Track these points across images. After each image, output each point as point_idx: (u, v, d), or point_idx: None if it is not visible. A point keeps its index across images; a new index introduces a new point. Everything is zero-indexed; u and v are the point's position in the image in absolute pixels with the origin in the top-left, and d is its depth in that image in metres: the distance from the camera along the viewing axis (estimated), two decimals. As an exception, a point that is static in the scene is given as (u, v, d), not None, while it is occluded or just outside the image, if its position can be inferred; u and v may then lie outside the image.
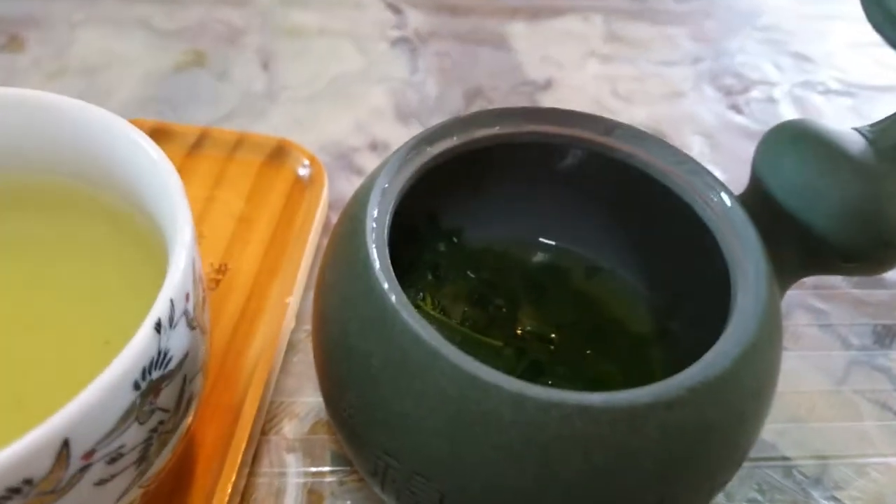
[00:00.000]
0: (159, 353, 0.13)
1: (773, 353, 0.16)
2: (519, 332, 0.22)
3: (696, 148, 0.33)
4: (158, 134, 0.28)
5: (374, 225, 0.17)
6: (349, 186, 0.29)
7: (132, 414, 0.13)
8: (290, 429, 0.22)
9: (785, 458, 0.23)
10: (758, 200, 0.19)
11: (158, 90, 0.33)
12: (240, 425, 0.20)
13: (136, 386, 0.13)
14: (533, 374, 0.21)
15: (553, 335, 0.22)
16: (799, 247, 0.18)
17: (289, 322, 0.23)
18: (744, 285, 0.17)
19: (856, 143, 0.18)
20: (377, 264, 0.16)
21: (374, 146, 0.31)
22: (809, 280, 0.22)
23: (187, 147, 0.28)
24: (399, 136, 0.32)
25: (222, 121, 0.31)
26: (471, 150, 0.20)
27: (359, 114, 0.33)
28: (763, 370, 0.16)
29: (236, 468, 0.20)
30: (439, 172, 0.20)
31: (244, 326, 0.23)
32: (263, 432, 0.22)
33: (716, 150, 0.33)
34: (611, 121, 0.20)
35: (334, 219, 0.28)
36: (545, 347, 0.22)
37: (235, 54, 0.35)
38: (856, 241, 0.17)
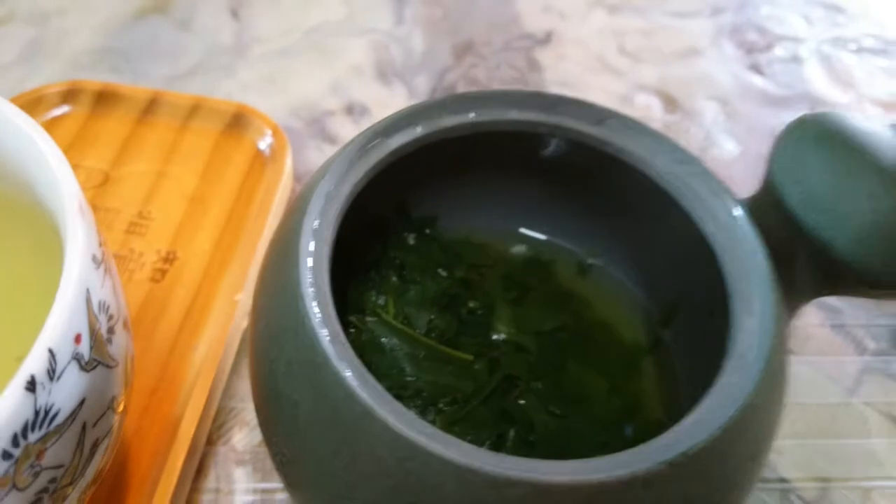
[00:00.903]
0: (37, 413, 0.11)
1: (774, 407, 0.14)
2: (494, 338, 0.20)
3: (709, 115, 0.30)
4: (105, 97, 0.25)
5: (312, 241, 0.14)
6: (320, 157, 0.27)
7: (5, 484, 0.11)
8: (239, 438, 0.20)
9: (783, 480, 0.21)
10: (770, 208, 0.16)
11: (115, 41, 0.30)
12: (179, 436, 0.18)
13: (6, 455, 0.11)
14: (505, 391, 0.19)
15: (532, 344, 0.20)
16: (815, 267, 0.16)
17: (239, 321, 0.21)
18: (745, 320, 0.14)
19: (891, 148, 0.15)
20: (310, 295, 0.13)
21: (350, 109, 0.28)
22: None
23: (137, 112, 0.25)
24: (378, 98, 0.29)
25: (183, 78, 0.29)
26: (445, 142, 0.17)
27: (336, 71, 0.30)
28: (761, 431, 0.13)
29: (174, 483, 0.18)
30: (407, 160, 0.17)
31: (190, 325, 0.20)
32: (210, 442, 0.20)
33: (731, 119, 0.30)
34: (603, 108, 0.17)
35: (302, 194, 0.25)
36: (522, 358, 0.19)
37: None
38: (881, 267, 0.15)
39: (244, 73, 0.29)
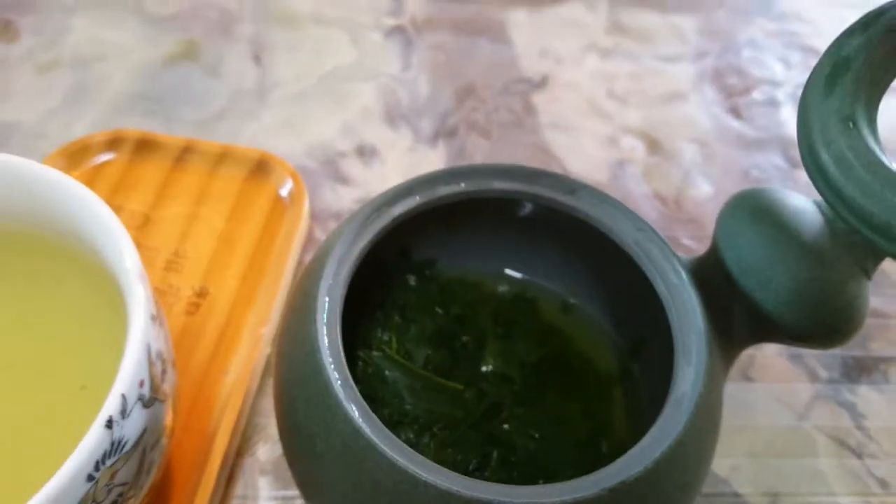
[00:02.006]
0: (112, 445, 0.14)
1: (704, 444, 0.17)
2: (484, 369, 0.23)
3: (688, 156, 0.33)
4: (144, 145, 0.28)
5: (327, 299, 0.17)
6: (334, 196, 0.30)
7: (88, 500, 0.14)
8: (263, 451, 0.23)
9: (736, 495, 0.24)
10: (714, 269, 0.19)
11: (149, 86, 0.33)
12: (214, 450, 0.22)
13: (90, 478, 0.14)
14: (492, 416, 0.22)
15: (517, 374, 0.23)
16: (750, 319, 0.19)
17: (264, 349, 0.24)
18: (684, 367, 0.17)
19: (813, 224, 0.18)
20: (325, 348, 0.16)
21: (360, 151, 0.31)
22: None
23: (172, 159, 0.28)
24: (387, 140, 0.32)
25: (211, 121, 0.32)
26: (439, 208, 0.20)
27: (347, 114, 0.33)
28: (691, 464, 0.16)
29: (210, 492, 0.21)
30: (407, 222, 0.20)
31: (222, 352, 0.24)
32: (238, 454, 0.23)
33: (708, 161, 0.32)
34: (573, 181, 0.20)
35: (317, 231, 0.28)
36: (508, 388, 0.22)
37: (228, 46, 0.35)
38: (803, 325, 0.18)
39: (266, 117, 0.32)
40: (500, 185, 0.20)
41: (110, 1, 0.36)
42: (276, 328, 0.25)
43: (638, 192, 0.31)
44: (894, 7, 0.14)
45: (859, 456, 0.25)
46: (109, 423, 0.14)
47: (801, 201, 0.18)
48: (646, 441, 0.16)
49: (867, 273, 0.18)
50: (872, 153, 0.14)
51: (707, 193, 0.31)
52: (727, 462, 0.24)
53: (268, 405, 0.24)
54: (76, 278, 0.20)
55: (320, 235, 0.28)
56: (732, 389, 0.26)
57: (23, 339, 0.20)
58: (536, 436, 0.21)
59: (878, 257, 0.17)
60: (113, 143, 0.28)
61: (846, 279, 0.18)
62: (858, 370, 0.27)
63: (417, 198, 0.20)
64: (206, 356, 0.23)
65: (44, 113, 0.31)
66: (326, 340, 0.16)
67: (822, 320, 0.18)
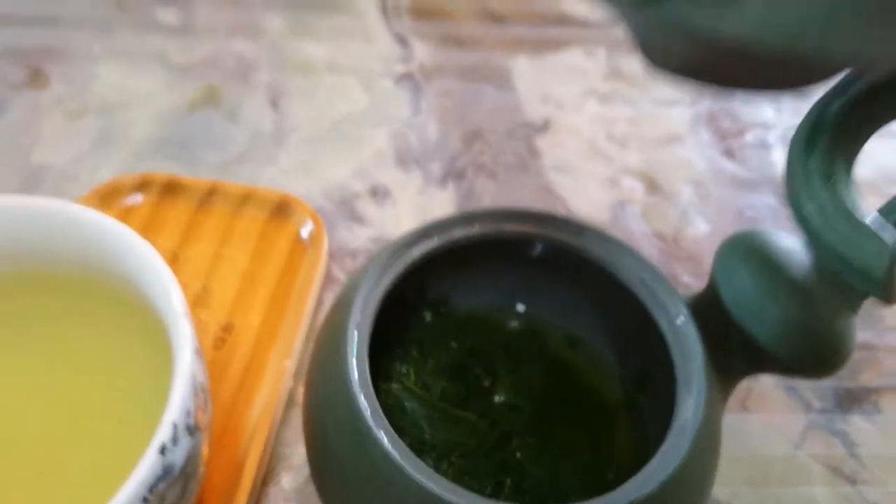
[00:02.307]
0: (164, 470, 0.16)
1: (706, 467, 0.18)
2: (494, 402, 0.24)
3: (685, 197, 0.34)
4: (171, 188, 0.30)
5: (356, 333, 0.19)
6: (349, 235, 0.31)
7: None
8: (287, 480, 0.24)
9: (737, 521, 0.25)
10: (712, 304, 0.20)
11: (173, 131, 0.35)
12: (243, 479, 0.23)
13: (145, 500, 0.15)
14: (504, 444, 0.23)
15: (527, 405, 0.24)
16: (745, 352, 0.20)
17: (287, 381, 0.25)
18: (685, 398, 0.18)
19: (802, 264, 0.19)
20: (355, 378, 0.18)
21: (374, 192, 0.33)
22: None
23: (197, 202, 0.30)
24: (398, 182, 0.34)
25: (232, 164, 0.33)
26: (454, 248, 0.22)
27: (361, 157, 0.34)
28: (693, 487, 0.18)
29: (238, 520, 0.22)
30: (425, 262, 0.22)
31: (248, 384, 0.25)
32: (264, 483, 0.24)
33: (704, 201, 0.34)
34: (580, 223, 0.22)
35: (334, 269, 0.30)
36: (518, 417, 0.24)
37: (246, 92, 0.37)
38: (794, 357, 0.19)
39: (284, 160, 0.34)
40: (510, 227, 0.22)
41: (135, 50, 0.38)
42: (297, 361, 0.26)
43: (638, 231, 0.33)
44: (870, 72, 0.16)
45: (853, 483, 0.26)
46: (163, 450, 0.15)
47: (792, 242, 0.20)
48: (652, 465, 0.17)
49: (853, 309, 0.19)
50: (849, 206, 0.15)
51: (704, 232, 0.33)
52: (727, 490, 0.25)
53: (291, 436, 0.25)
54: (117, 317, 0.21)
55: (337, 273, 0.30)
56: (731, 420, 0.27)
57: (64, 375, 0.21)
58: (546, 463, 0.23)
59: (862, 296, 0.19)
60: (142, 185, 0.30)
61: (834, 315, 0.19)
62: (850, 401, 0.28)
63: (435, 240, 0.21)
64: (233, 388, 0.25)
65: (73, 156, 0.33)
66: (356, 373, 0.18)
67: (812, 353, 0.19)
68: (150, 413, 0.20)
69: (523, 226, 0.22)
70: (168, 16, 0.40)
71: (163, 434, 0.16)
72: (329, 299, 0.29)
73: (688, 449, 0.17)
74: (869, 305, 0.30)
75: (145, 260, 0.19)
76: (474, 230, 0.22)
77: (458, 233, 0.21)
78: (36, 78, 0.36)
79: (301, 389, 0.26)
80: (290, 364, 0.25)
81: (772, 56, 0.10)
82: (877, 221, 0.15)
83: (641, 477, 0.17)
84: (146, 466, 0.15)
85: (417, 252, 0.21)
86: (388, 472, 0.16)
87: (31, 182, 0.32)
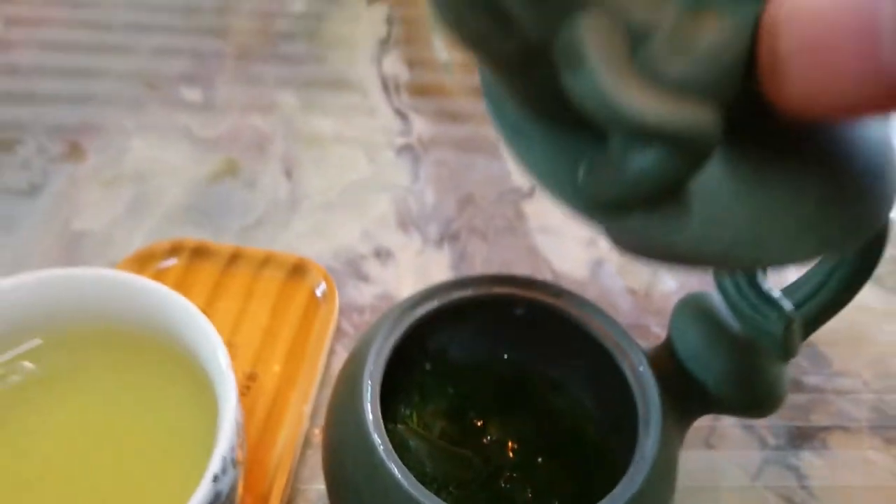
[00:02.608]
0: (214, 496, 0.19)
1: (663, 493, 0.22)
2: (486, 441, 0.28)
3: (655, 255, 0.38)
4: (200, 252, 0.34)
5: (370, 382, 0.22)
6: (356, 292, 0.35)
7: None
8: (303, 512, 0.28)
9: (700, 546, 0.28)
10: (669, 356, 0.24)
11: (197, 199, 0.39)
12: (266, 511, 0.26)
13: (199, 521, 0.19)
14: (495, 478, 0.26)
15: (515, 443, 0.28)
16: (697, 397, 0.24)
17: (305, 424, 0.29)
18: (644, 438, 0.22)
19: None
20: (370, 420, 0.21)
21: (378, 253, 0.37)
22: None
23: (223, 264, 0.33)
24: (400, 243, 0.38)
25: (252, 229, 0.37)
26: (452, 307, 0.25)
27: (367, 221, 0.39)
28: (652, 506, 0.21)
29: (262, 549, 0.25)
30: (427, 320, 0.25)
31: (271, 426, 0.28)
32: (283, 515, 0.28)
33: (672, 259, 0.38)
34: (559, 287, 0.26)
35: (344, 323, 0.34)
36: (507, 456, 0.27)
37: (263, 163, 0.41)
38: (736, 400, 0.23)
39: (297, 224, 0.38)
40: (499, 290, 0.26)
41: (163, 125, 0.43)
42: (314, 406, 0.30)
43: (613, 287, 0.37)
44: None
45: (803, 511, 0.29)
46: (216, 479, 0.19)
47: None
48: (613, 494, 0.21)
49: (785, 360, 0.23)
50: (758, 281, 0.19)
51: (672, 288, 0.37)
52: (692, 517, 0.29)
53: (307, 473, 0.29)
54: (164, 367, 0.25)
55: (346, 326, 0.34)
56: (696, 455, 0.31)
57: (117, 417, 0.25)
58: (531, 494, 0.26)
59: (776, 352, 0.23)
60: (174, 249, 0.34)
61: (767, 364, 0.23)
62: (802, 438, 0.32)
63: (435, 301, 0.25)
64: (258, 430, 0.28)
65: (109, 222, 0.37)
66: (371, 416, 0.21)
67: (751, 397, 0.23)
68: (191, 448, 0.23)
69: (510, 289, 0.26)
70: (192, 94, 0.45)
71: (214, 466, 0.19)
72: (339, 350, 0.33)
73: (643, 479, 0.21)
74: (819, 353, 0.34)
75: (193, 320, 0.22)
76: (468, 293, 0.26)
77: (455, 295, 0.25)
78: (74, 151, 0.41)
79: (316, 431, 0.30)
80: (308, 408, 0.29)
81: (710, 261, 0.13)
82: (779, 295, 0.19)
83: (604, 502, 0.20)
84: (202, 493, 0.19)
85: (421, 311, 0.25)
86: (399, 499, 0.20)
87: (73, 246, 0.36)
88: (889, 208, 0.14)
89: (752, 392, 0.23)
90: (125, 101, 0.44)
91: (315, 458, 0.29)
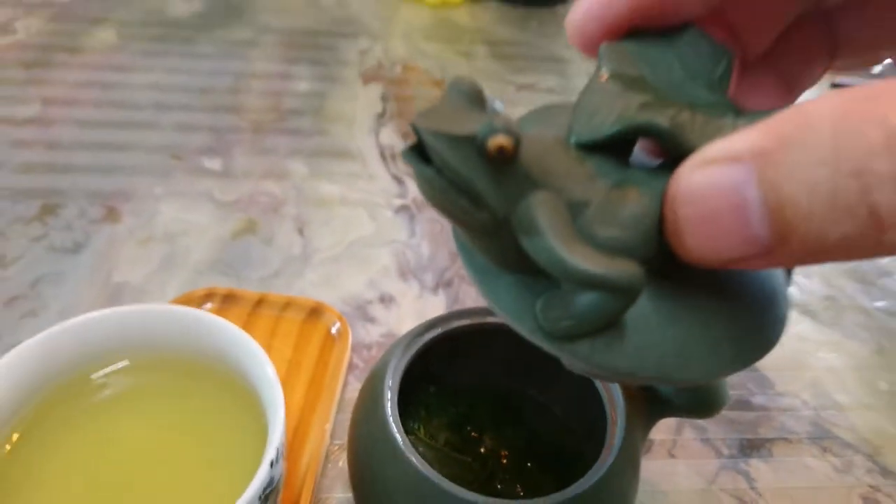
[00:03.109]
0: (270, 480, 0.24)
1: (627, 478, 0.27)
2: (483, 450, 0.33)
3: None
4: (230, 298, 0.39)
5: (389, 394, 0.28)
6: (364, 332, 0.40)
7: (255, 515, 0.24)
8: (326, 517, 0.32)
9: (666, 539, 0.33)
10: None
11: (222, 254, 0.44)
12: (296, 516, 0.31)
13: (261, 495, 0.24)
14: (491, 480, 0.31)
15: (506, 452, 0.33)
16: (655, 401, 0.29)
17: (326, 441, 0.34)
18: (612, 432, 0.27)
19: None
20: (392, 423, 0.26)
21: (382, 299, 0.43)
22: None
23: (250, 308, 0.39)
24: (401, 290, 0.43)
25: (272, 278, 0.43)
26: (452, 335, 0.31)
27: (371, 272, 0.44)
28: (618, 491, 0.26)
29: (293, 545, 0.30)
30: (432, 346, 0.31)
31: (297, 443, 0.33)
32: (309, 520, 0.32)
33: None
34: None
35: (356, 359, 0.39)
36: (500, 462, 0.32)
37: (278, 222, 0.47)
38: (686, 403, 0.28)
39: (310, 275, 0.43)
40: (492, 319, 0.31)
41: (188, 191, 0.49)
42: (332, 425, 0.35)
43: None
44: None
45: (753, 509, 0.34)
46: (272, 464, 0.24)
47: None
48: (588, 474, 0.26)
49: None
50: None
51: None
52: (659, 515, 0.34)
53: (327, 483, 0.33)
54: (215, 388, 0.30)
55: (357, 361, 0.39)
56: (661, 464, 0.36)
57: (171, 432, 0.29)
58: (522, 494, 0.31)
59: None
60: (208, 296, 0.39)
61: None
62: (751, 448, 0.37)
63: (439, 329, 0.30)
64: (287, 446, 0.33)
65: (145, 275, 0.42)
66: (391, 418, 0.27)
67: (698, 399, 0.28)
68: (236, 459, 0.28)
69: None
70: (213, 164, 0.51)
71: (270, 454, 0.24)
72: (352, 381, 0.38)
73: (611, 463, 0.26)
74: (764, 377, 0.40)
75: (246, 346, 0.28)
76: (465, 322, 0.31)
77: (455, 324, 0.31)
78: (111, 214, 0.46)
79: (334, 448, 0.34)
80: (328, 426, 0.34)
81: (646, 379, 0.15)
82: None
83: (579, 483, 0.26)
84: (261, 475, 0.24)
85: (428, 337, 0.30)
86: (421, 484, 0.25)
87: (114, 296, 0.41)
88: (781, 330, 0.16)
89: (699, 396, 0.28)
90: (154, 170, 0.50)
91: (334, 472, 0.34)
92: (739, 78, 0.18)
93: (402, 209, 0.49)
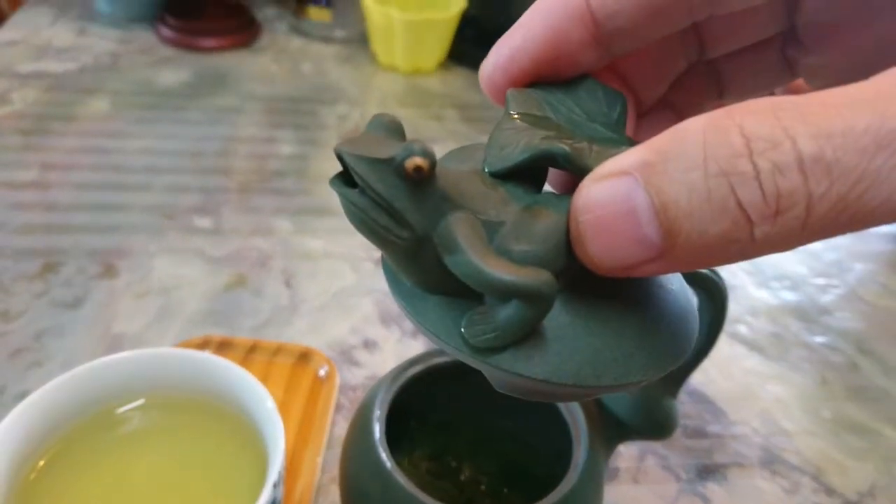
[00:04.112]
0: (273, 500, 0.27)
1: (592, 492, 0.30)
2: (462, 478, 0.36)
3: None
4: (224, 345, 0.42)
5: (378, 424, 0.31)
6: (350, 376, 0.43)
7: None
8: (318, 545, 0.35)
9: (632, 556, 0.36)
10: (593, 400, 0.33)
11: (214, 305, 0.47)
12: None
13: (264, 517, 0.26)
14: (468, 502, 0.34)
15: (484, 478, 0.36)
16: (614, 425, 0.33)
17: (318, 473, 0.36)
18: (577, 452, 0.31)
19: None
20: (379, 445, 0.30)
21: (366, 344, 0.46)
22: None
23: (244, 354, 0.42)
24: (382, 335, 0.46)
25: (262, 327, 0.46)
26: (431, 371, 0.34)
27: (354, 320, 0.48)
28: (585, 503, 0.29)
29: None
30: (413, 382, 0.34)
31: (290, 478, 0.36)
32: (302, 548, 0.35)
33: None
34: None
35: (342, 399, 0.42)
36: (478, 487, 0.35)
37: (266, 275, 0.50)
38: (642, 426, 0.32)
39: (298, 323, 0.47)
40: (467, 356, 0.35)
41: (181, 247, 0.52)
42: (323, 458, 0.37)
43: (555, 364, 0.46)
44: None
45: (710, 527, 0.38)
46: (275, 485, 0.27)
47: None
48: (556, 490, 0.29)
49: (673, 395, 0.33)
50: None
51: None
52: (625, 535, 0.37)
53: (318, 515, 0.36)
54: (217, 426, 0.32)
55: (343, 401, 0.42)
56: (625, 488, 0.39)
57: (178, 467, 0.32)
58: (499, 516, 0.34)
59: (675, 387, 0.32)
60: (204, 344, 0.42)
61: (661, 399, 0.32)
62: (707, 472, 0.41)
63: (420, 366, 0.34)
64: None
65: (143, 326, 0.45)
66: (379, 443, 0.30)
67: (652, 422, 0.32)
68: (237, 488, 0.30)
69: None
70: (203, 222, 0.54)
71: (273, 475, 0.27)
72: (339, 420, 0.40)
73: (576, 480, 0.29)
74: (718, 408, 0.43)
75: (248, 384, 0.31)
76: (443, 360, 0.34)
77: (434, 361, 0.34)
78: (108, 271, 0.49)
79: (325, 481, 0.37)
80: (320, 460, 0.37)
81: (565, 388, 0.15)
82: None
83: (549, 496, 0.29)
84: (266, 495, 0.26)
85: (411, 372, 0.33)
86: (406, 500, 0.28)
87: (114, 346, 0.43)
88: (690, 345, 0.17)
89: (651, 420, 0.32)
90: (148, 229, 0.53)
91: (325, 501, 0.36)
92: (639, 121, 0.21)
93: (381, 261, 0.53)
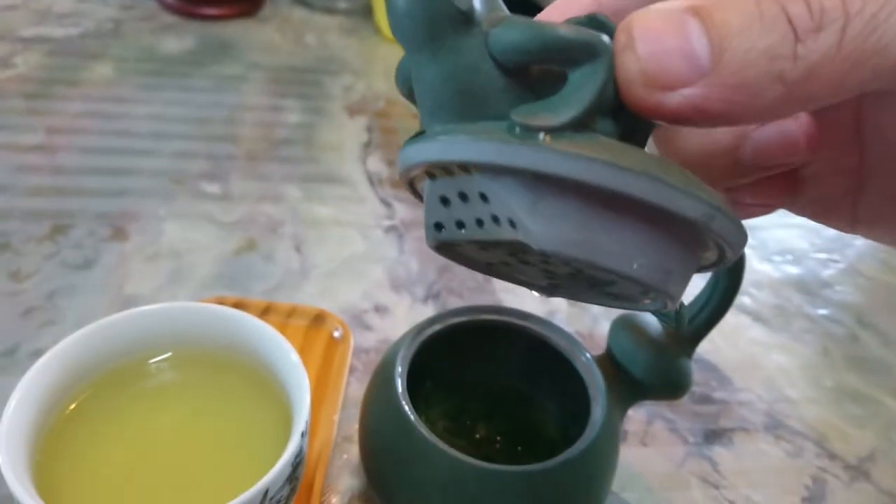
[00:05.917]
0: (300, 449, 0.27)
1: (608, 448, 0.31)
2: (477, 437, 0.36)
3: (594, 308, 0.49)
4: (238, 306, 0.41)
5: (399, 378, 0.31)
6: (362, 338, 0.44)
7: (290, 482, 0.27)
8: (335, 501, 0.35)
9: (641, 514, 0.37)
10: (608, 357, 0.34)
11: (225, 270, 0.47)
12: (313, 494, 0.34)
13: (294, 462, 0.27)
14: (484, 460, 0.35)
15: (497, 437, 0.36)
16: (629, 384, 0.33)
17: (334, 431, 0.37)
18: (595, 408, 0.31)
19: (657, 330, 0.33)
20: (402, 399, 0.30)
21: (377, 309, 0.46)
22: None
23: (257, 315, 0.41)
24: (393, 301, 0.47)
25: (272, 291, 0.46)
26: (449, 331, 0.35)
27: (365, 285, 0.48)
28: (601, 459, 0.30)
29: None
30: (431, 342, 0.34)
31: (310, 432, 0.36)
32: (322, 500, 0.35)
33: (608, 311, 0.48)
34: (526, 313, 0.35)
35: (355, 362, 0.42)
36: (493, 446, 0.36)
37: (277, 241, 0.50)
38: (656, 385, 0.33)
39: (308, 288, 0.47)
40: (485, 316, 0.35)
41: (190, 212, 0.52)
42: (340, 417, 0.38)
43: (564, 331, 0.46)
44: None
45: (717, 488, 0.38)
46: (302, 434, 0.27)
47: (651, 318, 0.34)
48: (576, 445, 0.30)
49: (688, 355, 0.33)
50: None
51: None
52: (634, 494, 0.38)
53: (335, 471, 0.36)
54: (242, 382, 0.32)
55: (356, 364, 0.42)
56: (635, 451, 0.40)
57: (202, 420, 0.32)
58: (514, 473, 0.35)
59: (687, 338, 0.33)
60: (218, 304, 0.42)
61: (677, 359, 0.33)
62: (713, 436, 0.41)
63: (437, 326, 0.34)
64: (297, 437, 0.36)
65: (155, 288, 0.45)
66: (401, 394, 0.30)
67: (667, 382, 0.33)
68: (262, 439, 0.31)
69: (492, 315, 0.35)
70: (212, 188, 0.54)
71: (300, 425, 0.27)
72: (353, 381, 0.41)
73: (594, 436, 0.30)
74: (724, 375, 0.44)
75: (273, 338, 0.31)
76: (462, 319, 0.35)
77: (452, 321, 0.35)
78: (118, 234, 0.49)
79: (340, 440, 0.38)
80: (336, 418, 0.37)
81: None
82: None
83: (570, 450, 0.29)
84: (294, 443, 0.27)
85: (431, 330, 0.34)
86: (430, 453, 0.28)
87: (127, 306, 0.43)
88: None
89: (667, 378, 0.33)
90: (157, 193, 0.53)
91: (341, 460, 0.37)
92: None
93: (391, 229, 0.53)
